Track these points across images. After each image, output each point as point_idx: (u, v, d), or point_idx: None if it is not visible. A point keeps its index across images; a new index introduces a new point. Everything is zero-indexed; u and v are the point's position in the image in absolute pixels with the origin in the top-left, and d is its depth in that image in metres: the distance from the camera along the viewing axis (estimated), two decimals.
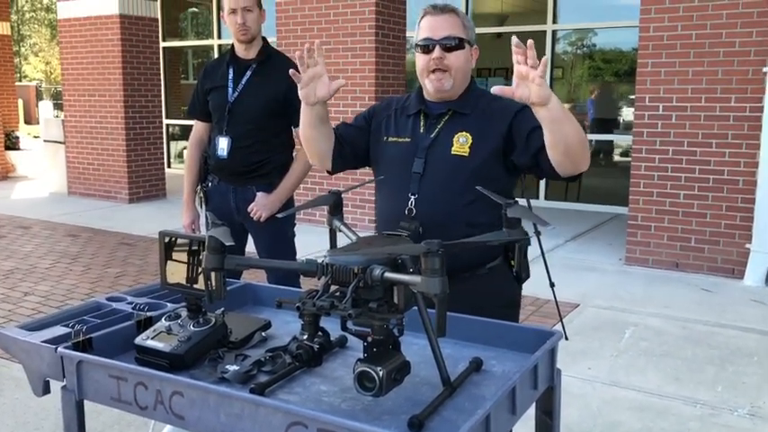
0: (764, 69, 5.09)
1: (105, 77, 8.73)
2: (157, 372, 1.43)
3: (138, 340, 1.55)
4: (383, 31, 6.90)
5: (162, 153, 9.31)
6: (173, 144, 11.95)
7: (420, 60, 1.95)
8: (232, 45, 3.10)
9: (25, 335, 1.62)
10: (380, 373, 1.26)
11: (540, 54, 1.54)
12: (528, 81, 1.59)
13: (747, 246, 5.24)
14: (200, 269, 1.59)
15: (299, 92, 1.86)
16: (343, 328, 1.35)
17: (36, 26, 30.41)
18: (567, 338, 4.39)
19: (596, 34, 8.89)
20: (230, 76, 3.06)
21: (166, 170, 9.73)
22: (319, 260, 1.38)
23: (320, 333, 1.46)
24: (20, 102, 14.54)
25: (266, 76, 3.02)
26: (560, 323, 4.02)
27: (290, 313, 1.70)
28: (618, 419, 3.09)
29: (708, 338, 4.09)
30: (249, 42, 3.03)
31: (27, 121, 16.15)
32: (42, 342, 1.56)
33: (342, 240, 1.66)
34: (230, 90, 3.04)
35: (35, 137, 13.27)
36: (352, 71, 6.89)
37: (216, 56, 10.85)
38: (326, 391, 1.41)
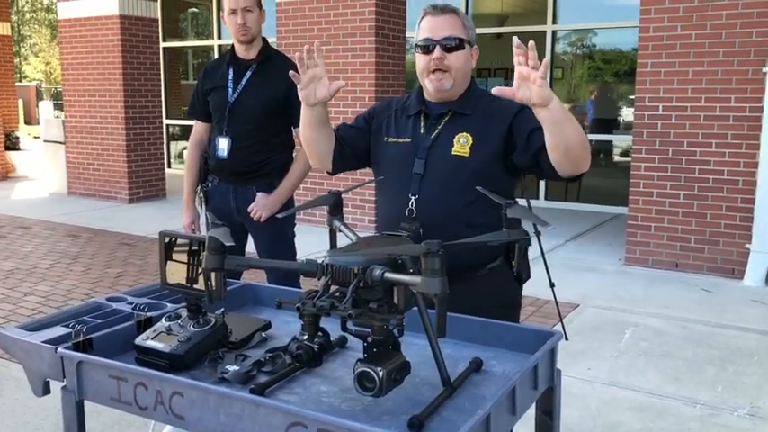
0: (764, 69, 5.09)
1: (105, 78, 8.73)
2: (157, 372, 1.43)
3: (139, 340, 1.55)
4: (383, 32, 6.90)
5: (162, 153, 9.31)
6: (173, 144, 11.95)
7: (420, 61, 1.95)
8: (232, 45, 3.11)
9: (25, 335, 1.62)
10: (380, 374, 1.26)
11: (541, 55, 1.55)
12: (529, 82, 1.59)
13: (747, 246, 5.24)
14: (200, 269, 1.59)
15: (299, 93, 1.86)
16: (343, 328, 1.35)
17: (36, 26, 30.41)
18: (566, 339, 4.39)
19: (596, 34, 8.89)
20: (230, 76, 3.06)
21: (166, 170, 9.73)
22: (319, 260, 1.38)
23: (320, 333, 1.46)
24: (20, 102, 14.54)
25: (266, 77, 3.02)
26: (560, 323, 4.03)
27: (290, 313, 1.70)
28: (618, 420, 3.09)
29: (708, 338, 4.09)
30: (249, 43, 3.03)
31: (27, 122, 16.15)
32: (42, 342, 1.57)
33: (342, 241, 1.66)
34: (230, 90, 3.04)
35: (35, 137, 13.27)
36: (352, 71, 6.89)
37: (216, 56, 10.85)
38: (326, 392, 1.41)
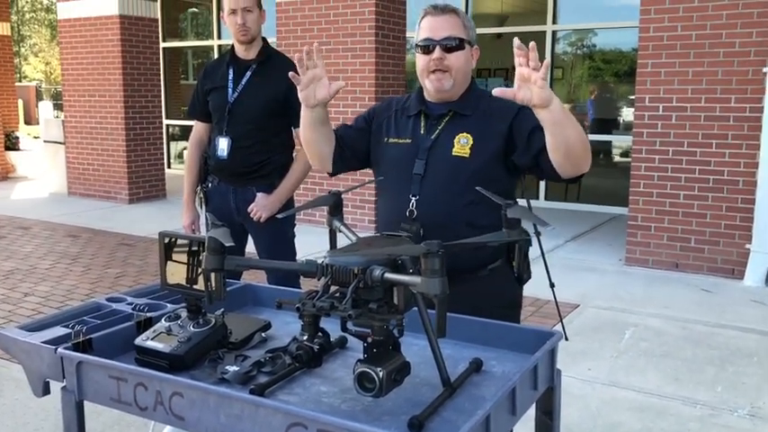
0: (764, 70, 5.09)
1: (105, 78, 8.73)
2: (157, 372, 1.43)
3: (138, 341, 1.55)
4: (383, 32, 6.90)
5: (162, 153, 9.31)
6: (173, 144, 11.95)
7: (420, 61, 1.95)
8: (232, 45, 3.11)
9: (25, 335, 1.62)
10: (380, 374, 1.26)
11: (541, 56, 1.54)
12: (530, 83, 1.59)
13: (747, 246, 5.24)
14: (200, 270, 1.59)
15: (299, 94, 1.86)
16: (343, 328, 1.35)
17: (36, 26, 30.41)
18: (566, 339, 4.39)
19: (596, 35, 8.89)
20: (230, 76, 3.06)
21: (166, 171, 9.73)
22: (319, 261, 1.38)
23: (320, 334, 1.46)
24: (20, 102, 14.54)
25: (266, 77, 3.02)
26: (560, 324, 4.03)
27: (290, 314, 1.70)
28: (618, 420, 3.09)
29: (708, 339, 4.09)
30: (249, 43, 3.02)
31: (27, 122, 16.14)
32: (42, 343, 1.57)
33: (342, 241, 1.66)
34: (230, 90, 3.04)
35: (35, 137, 13.26)
36: (351, 71, 6.89)
37: (216, 56, 10.85)
38: (326, 392, 1.41)
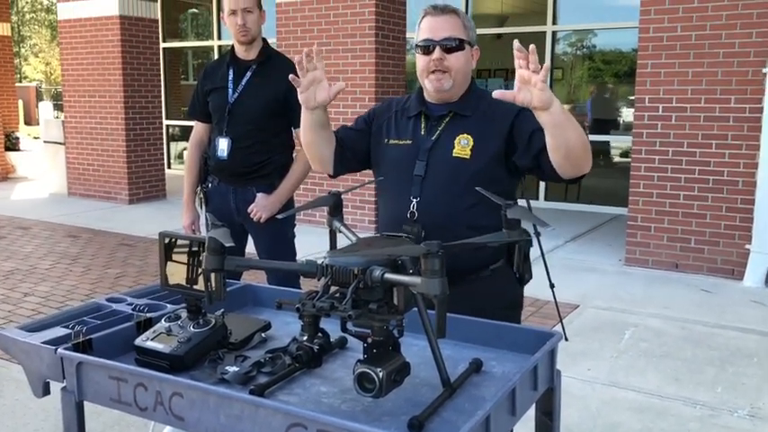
0: (764, 70, 5.09)
1: (105, 78, 8.73)
2: (157, 373, 1.43)
3: (138, 341, 1.55)
4: (383, 32, 6.90)
5: (162, 154, 9.31)
6: (173, 145, 11.96)
7: (420, 61, 1.94)
8: (232, 46, 3.11)
9: (25, 336, 1.62)
10: (380, 375, 1.26)
11: (541, 58, 1.54)
12: (530, 85, 1.59)
13: (747, 246, 5.24)
14: (200, 270, 1.59)
15: (299, 97, 1.85)
16: (343, 329, 1.35)
17: (36, 27, 30.41)
18: (566, 339, 4.40)
19: (596, 35, 8.90)
20: (230, 77, 3.06)
21: (166, 171, 9.73)
22: (319, 261, 1.38)
23: (320, 334, 1.46)
24: (20, 103, 14.54)
25: (266, 77, 3.02)
26: (560, 324, 4.03)
27: (290, 314, 1.70)
28: (618, 420, 3.09)
29: (707, 339, 4.09)
30: (249, 43, 3.03)
31: (27, 122, 16.14)
32: (42, 343, 1.57)
33: (342, 241, 1.66)
34: (230, 91, 3.04)
35: (35, 138, 13.27)
36: (352, 72, 6.89)
37: (216, 57, 10.85)
38: (326, 393, 1.41)
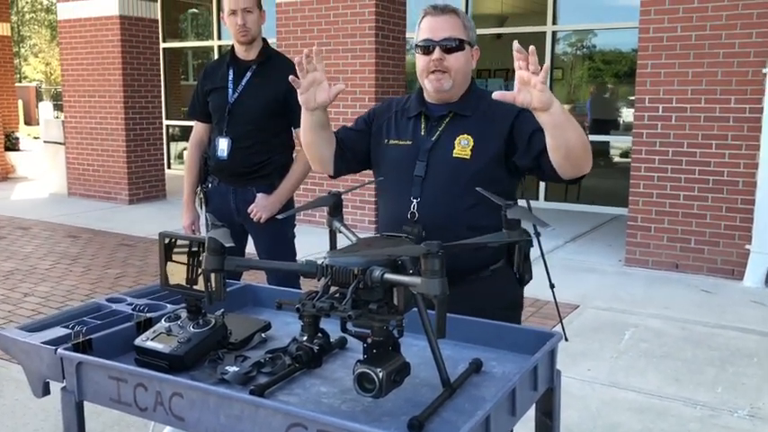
0: (764, 70, 5.09)
1: (105, 78, 8.73)
2: (157, 373, 1.43)
3: (138, 341, 1.55)
4: (383, 33, 6.90)
5: (162, 154, 9.31)
6: (173, 145, 11.96)
7: (420, 61, 1.94)
8: (232, 46, 3.11)
9: (25, 336, 1.62)
10: (380, 375, 1.26)
11: (541, 58, 1.54)
12: (529, 86, 1.59)
13: (747, 247, 5.24)
14: (200, 270, 1.59)
15: (299, 98, 1.85)
16: (343, 329, 1.35)
17: (36, 27, 30.40)
18: (566, 340, 4.40)
19: (596, 35, 8.90)
20: (230, 77, 3.06)
21: (166, 171, 9.73)
22: (319, 261, 1.38)
23: (320, 334, 1.46)
24: (20, 103, 14.54)
25: (266, 77, 3.02)
26: (560, 324, 4.03)
27: (290, 314, 1.70)
28: (618, 421, 3.09)
29: (708, 340, 4.09)
30: (249, 44, 3.03)
31: (27, 122, 16.14)
32: (42, 343, 1.57)
33: (342, 241, 1.66)
34: (230, 91, 3.04)
35: (35, 138, 13.26)
36: (352, 72, 6.89)
37: (216, 57, 10.85)
38: (326, 393, 1.41)
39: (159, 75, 9.24)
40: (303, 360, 1.44)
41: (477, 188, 1.72)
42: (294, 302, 1.36)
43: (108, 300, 1.92)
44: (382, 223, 2.02)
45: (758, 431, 3.01)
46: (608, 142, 8.77)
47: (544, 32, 8.63)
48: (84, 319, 1.76)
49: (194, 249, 1.62)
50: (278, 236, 3.11)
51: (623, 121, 8.82)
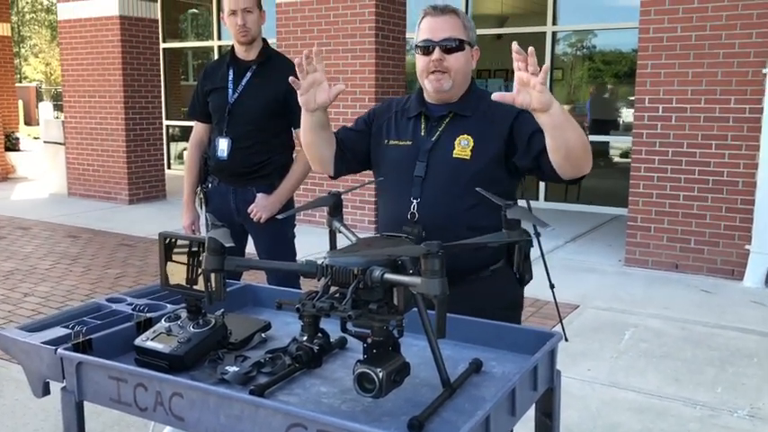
0: (764, 71, 5.09)
1: (105, 78, 8.73)
2: (157, 373, 1.43)
3: (138, 341, 1.55)
4: (383, 33, 6.90)
5: (162, 154, 9.31)
6: (173, 145, 11.96)
7: (420, 62, 1.94)
8: (232, 46, 3.11)
9: (25, 336, 1.62)
10: (380, 375, 1.26)
11: (540, 59, 1.55)
12: (529, 87, 1.59)
13: (747, 247, 5.24)
14: (200, 270, 1.59)
15: (299, 98, 1.85)
16: (343, 329, 1.35)
17: (36, 27, 30.41)
18: (566, 340, 4.40)
19: (596, 36, 8.90)
20: (230, 77, 3.06)
21: (166, 171, 9.73)
22: (319, 261, 1.38)
23: (320, 334, 1.46)
24: (20, 103, 14.54)
25: (266, 78, 3.02)
26: (560, 324, 4.03)
27: (290, 314, 1.70)
28: (618, 421, 3.09)
29: (707, 340, 4.09)
30: (249, 44, 3.03)
31: (27, 123, 16.14)
32: (42, 343, 1.57)
33: (341, 241, 1.66)
34: (230, 91, 3.04)
35: (35, 138, 13.27)
36: (352, 72, 6.89)
37: (216, 57, 10.85)
38: (326, 393, 1.41)
39: (159, 75, 9.24)
40: (303, 360, 1.44)
41: (477, 188, 1.72)
42: (294, 302, 1.36)
43: (108, 300, 1.92)
44: (382, 223, 2.02)
45: (758, 431, 3.01)
46: (608, 142, 8.77)
47: (544, 33, 8.63)
48: (84, 319, 1.76)
49: (194, 249, 1.62)
50: (278, 236, 3.11)
51: (623, 122, 8.81)
